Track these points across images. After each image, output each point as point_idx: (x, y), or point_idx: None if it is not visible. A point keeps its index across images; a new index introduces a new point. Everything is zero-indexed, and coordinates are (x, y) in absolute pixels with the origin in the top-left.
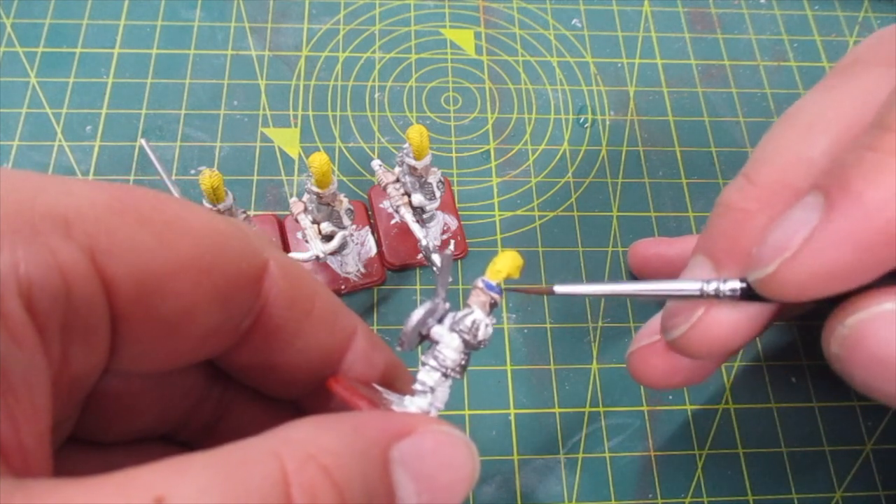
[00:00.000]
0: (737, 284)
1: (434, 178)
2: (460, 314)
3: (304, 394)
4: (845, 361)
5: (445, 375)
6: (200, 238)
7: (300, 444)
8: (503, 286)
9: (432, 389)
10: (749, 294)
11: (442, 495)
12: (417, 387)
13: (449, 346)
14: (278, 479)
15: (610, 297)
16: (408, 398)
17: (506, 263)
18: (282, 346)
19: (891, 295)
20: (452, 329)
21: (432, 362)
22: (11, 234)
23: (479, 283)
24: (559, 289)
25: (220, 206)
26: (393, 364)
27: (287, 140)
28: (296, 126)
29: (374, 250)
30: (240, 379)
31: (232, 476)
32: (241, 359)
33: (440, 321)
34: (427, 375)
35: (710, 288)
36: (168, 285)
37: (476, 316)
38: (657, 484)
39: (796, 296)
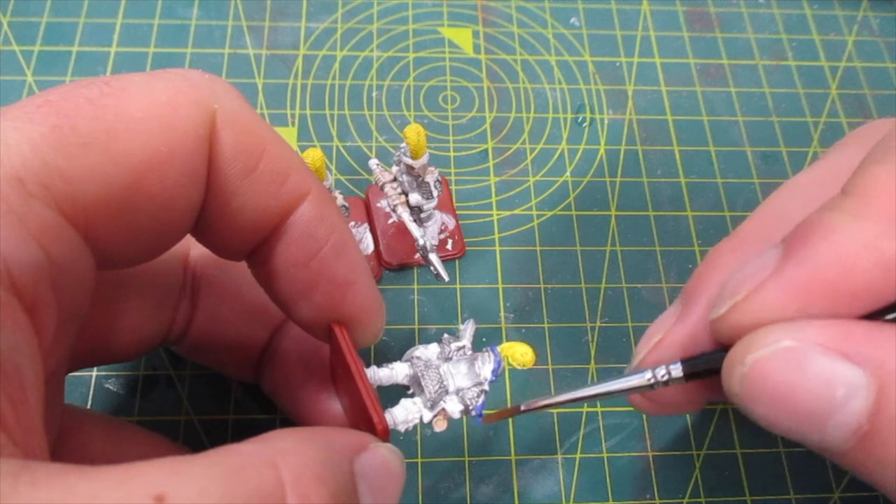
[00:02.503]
0: (678, 368)
1: (431, 177)
2: (471, 390)
3: (249, 254)
4: (747, 400)
5: (430, 408)
6: (150, 129)
7: (293, 454)
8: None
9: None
10: (692, 374)
11: (387, 502)
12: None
13: (451, 408)
14: (275, 487)
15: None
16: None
17: (524, 359)
18: (223, 202)
19: (787, 331)
20: (461, 398)
21: (423, 398)
22: None
23: (498, 366)
24: (524, 406)
25: None
26: (337, 244)
27: (284, 139)
28: (293, 125)
29: (371, 247)
30: (197, 238)
31: (231, 480)
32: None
33: (448, 359)
34: (412, 404)
35: (660, 374)
36: (137, 196)
37: (482, 397)
38: (655, 484)
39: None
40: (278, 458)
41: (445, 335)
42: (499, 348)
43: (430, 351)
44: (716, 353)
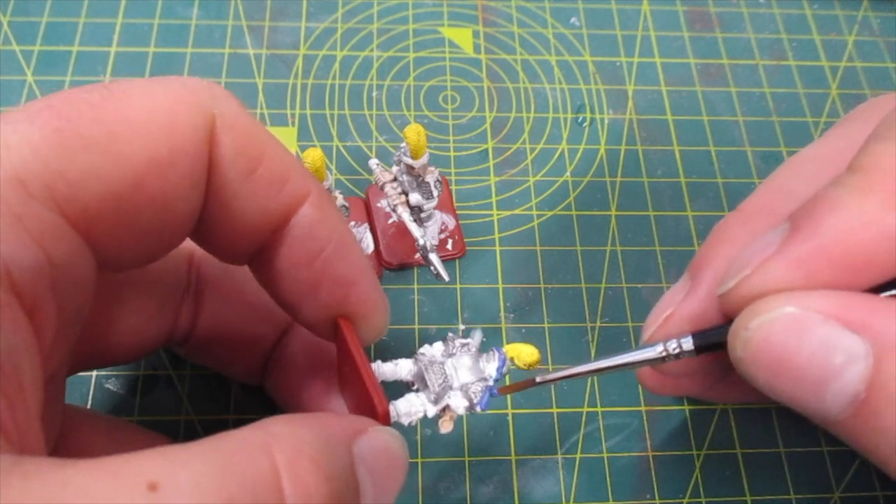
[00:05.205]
0: (689, 342)
1: (431, 177)
2: (475, 384)
3: (251, 258)
4: (749, 364)
5: (434, 402)
6: (151, 132)
7: (287, 438)
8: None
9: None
10: (703, 347)
11: (388, 487)
12: (411, 397)
13: (455, 403)
14: (269, 472)
15: (585, 376)
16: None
17: (530, 359)
18: (224, 206)
19: (791, 299)
20: (465, 392)
21: (427, 394)
22: None
23: (503, 364)
24: (539, 379)
25: None
26: (339, 244)
27: (284, 139)
28: (293, 125)
29: (371, 247)
30: (198, 244)
31: (225, 467)
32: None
33: (453, 355)
34: (416, 398)
35: (671, 348)
36: (138, 197)
37: (487, 392)
38: (655, 484)
39: None
40: (273, 442)
41: (450, 333)
42: (504, 349)
43: (434, 349)
44: (725, 327)
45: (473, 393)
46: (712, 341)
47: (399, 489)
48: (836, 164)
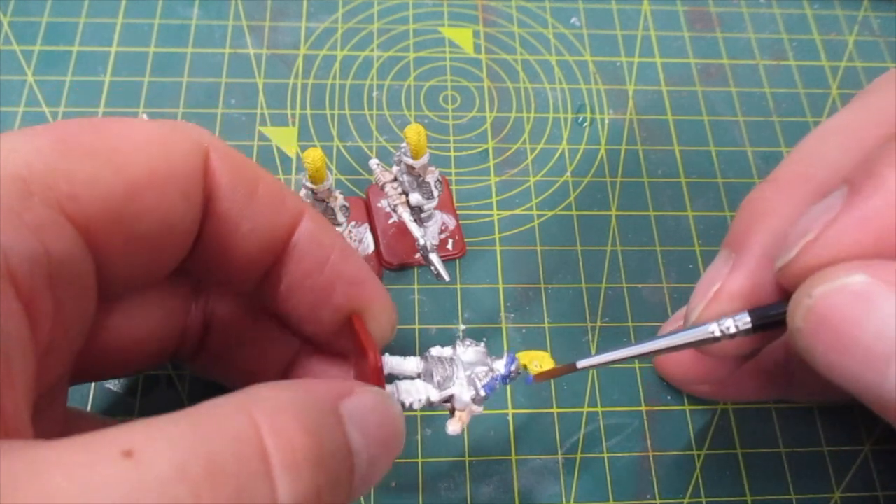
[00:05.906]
0: (746, 319)
1: (432, 177)
2: (480, 369)
3: (260, 281)
4: (808, 336)
5: (437, 387)
6: (150, 149)
7: (268, 399)
8: (530, 370)
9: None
10: (760, 325)
11: (383, 448)
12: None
13: (459, 392)
14: (249, 431)
15: (632, 359)
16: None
17: (543, 362)
18: (230, 231)
19: (861, 267)
20: (470, 379)
21: (432, 384)
22: None
23: (511, 361)
24: (581, 364)
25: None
26: (342, 249)
27: (284, 139)
28: (293, 125)
29: (371, 247)
30: (204, 277)
31: (202, 429)
32: (198, 254)
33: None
34: (420, 382)
35: (725, 327)
36: (136, 206)
37: (494, 381)
38: (655, 484)
39: None
40: (252, 404)
41: (460, 336)
42: (517, 355)
43: (445, 350)
44: (785, 302)
45: (477, 376)
46: (772, 319)
47: (398, 451)
48: (864, 133)
